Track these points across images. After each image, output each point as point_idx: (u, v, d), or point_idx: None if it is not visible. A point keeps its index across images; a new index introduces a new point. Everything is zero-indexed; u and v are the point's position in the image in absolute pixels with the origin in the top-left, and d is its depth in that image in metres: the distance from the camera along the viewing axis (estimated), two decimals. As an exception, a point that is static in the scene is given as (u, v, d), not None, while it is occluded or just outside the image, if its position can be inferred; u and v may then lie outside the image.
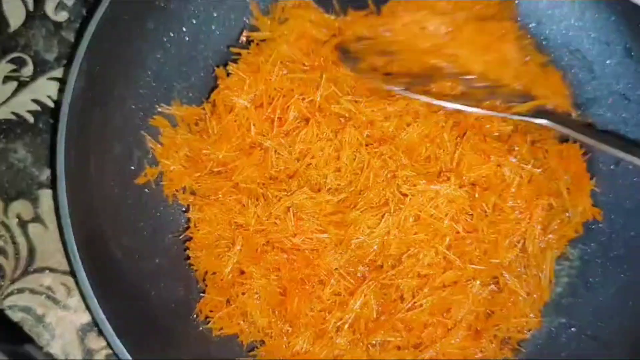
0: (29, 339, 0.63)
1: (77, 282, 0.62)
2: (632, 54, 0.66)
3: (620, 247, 0.66)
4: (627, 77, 0.67)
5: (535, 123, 0.62)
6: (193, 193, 0.65)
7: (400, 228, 0.61)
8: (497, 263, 0.62)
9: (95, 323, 0.62)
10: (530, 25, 0.69)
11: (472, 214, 0.62)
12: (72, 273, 0.64)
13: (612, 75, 0.67)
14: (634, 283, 0.64)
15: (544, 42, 0.69)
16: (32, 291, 0.64)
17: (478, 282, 0.62)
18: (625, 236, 0.65)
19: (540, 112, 0.62)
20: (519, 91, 0.64)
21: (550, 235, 0.64)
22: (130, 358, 0.56)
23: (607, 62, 0.68)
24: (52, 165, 0.66)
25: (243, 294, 0.62)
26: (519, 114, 0.62)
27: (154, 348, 0.59)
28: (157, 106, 0.65)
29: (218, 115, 0.64)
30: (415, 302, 0.61)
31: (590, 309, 0.65)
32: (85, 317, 0.64)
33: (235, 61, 0.66)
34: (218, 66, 0.67)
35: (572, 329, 0.64)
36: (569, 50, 0.69)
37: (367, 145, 0.63)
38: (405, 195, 0.61)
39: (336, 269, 0.61)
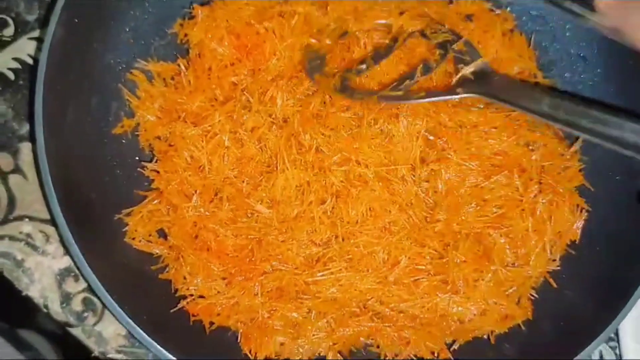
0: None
1: (56, 229, 0.65)
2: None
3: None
4: (584, 40, 0.70)
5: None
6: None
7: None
8: None
9: (73, 267, 0.65)
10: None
11: None
12: (51, 221, 0.66)
13: (571, 39, 0.71)
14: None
15: (508, 9, 0.72)
16: (12, 238, 0.66)
17: None
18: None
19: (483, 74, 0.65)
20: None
21: None
22: (109, 297, 0.58)
23: (567, 26, 0.71)
24: (32, 119, 0.68)
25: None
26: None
27: (128, 288, 0.61)
28: (134, 61, 0.67)
29: (194, 68, 0.66)
30: None
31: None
32: (63, 263, 0.65)
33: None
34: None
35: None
36: (531, 16, 0.72)
37: None
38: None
39: None
